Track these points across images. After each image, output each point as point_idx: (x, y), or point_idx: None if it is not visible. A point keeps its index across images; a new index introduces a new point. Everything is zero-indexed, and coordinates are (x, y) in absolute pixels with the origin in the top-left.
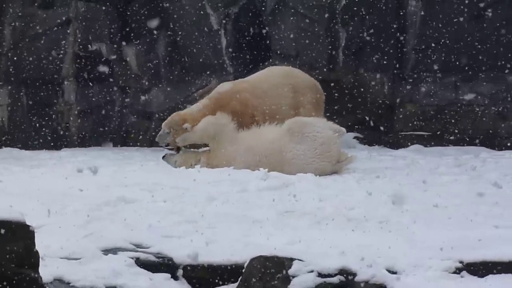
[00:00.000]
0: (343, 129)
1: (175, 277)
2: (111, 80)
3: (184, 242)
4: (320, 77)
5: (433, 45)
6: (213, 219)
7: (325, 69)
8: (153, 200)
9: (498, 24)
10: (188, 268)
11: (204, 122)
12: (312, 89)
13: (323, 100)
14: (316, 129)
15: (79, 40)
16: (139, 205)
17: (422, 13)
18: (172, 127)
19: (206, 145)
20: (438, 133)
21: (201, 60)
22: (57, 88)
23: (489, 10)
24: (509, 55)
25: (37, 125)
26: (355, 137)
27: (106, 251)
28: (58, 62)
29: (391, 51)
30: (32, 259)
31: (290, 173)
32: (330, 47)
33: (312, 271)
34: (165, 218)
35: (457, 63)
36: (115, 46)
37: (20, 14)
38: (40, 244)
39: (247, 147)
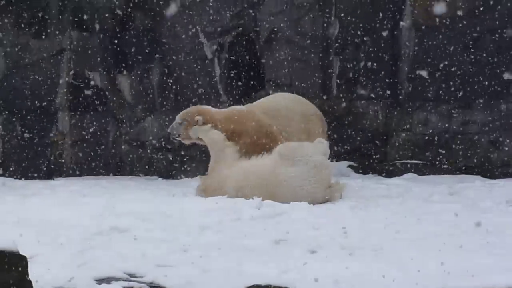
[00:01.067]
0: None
1: None
2: (105, 109)
3: (178, 271)
4: None
5: (427, 73)
6: (207, 248)
7: (318, 98)
8: (146, 229)
9: (491, 53)
10: None
11: (215, 133)
12: (318, 117)
13: (326, 130)
14: (307, 153)
15: (72, 69)
16: (133, 234)
17: (416, 41)
18: (186, 118)
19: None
20: (432, 161)
21: (194, 89)
22: (51, 118)
23: (482, 39)
24: (503, 83)
25: (31, 154)
26: (349, 166)
27: (100, 281)
28: (52, 92)
29: (385, 79)
30: None
31: (283, 196)
32: (323, 75)
33: None
34: (159, 247)
35: (451, 91)
36: (109, 75)
37: (14, 42)
38: (33, 274)
39: (239, 169)
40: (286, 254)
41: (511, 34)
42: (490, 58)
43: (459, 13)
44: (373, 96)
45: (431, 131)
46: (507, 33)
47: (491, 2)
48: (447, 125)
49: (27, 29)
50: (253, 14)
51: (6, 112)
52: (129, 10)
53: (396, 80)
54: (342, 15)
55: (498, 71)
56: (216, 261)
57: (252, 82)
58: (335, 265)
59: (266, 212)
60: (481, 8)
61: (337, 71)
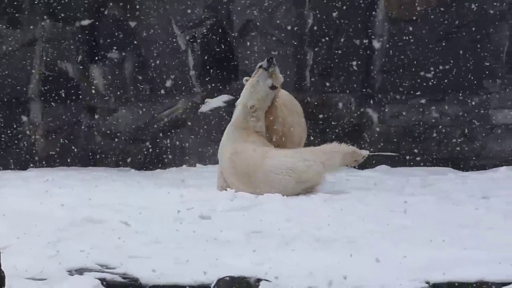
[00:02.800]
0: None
1: None
2: (78, 100)
3: (151, 262)
4: None
5: (400, 66)
6: (181, 240)
7: (292, 90)
8: (120, 220)
9: (463, 47)
10: None
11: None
12: (299, 111)
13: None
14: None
15: (45, 60)
16: (106, 225)
17: (389, 34)
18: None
19: None
20: (405, 154)
21: (168, 80)
22: (24, 108)
23: (455, 33)
24: (475, 77)
25: (3, 145)
26: None
27: (73, 272)
28: (24, 82)
29: (358, 72)
30: None
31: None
32: (297, 68)
33: None
34: (132, 239)
35: (424, 84)
36: (82, 65)
37: None
38: (5, 265)
39: (234, 148)
40: (260, 246)
41: (484, 27)
42: (462, 51)
43: (432, 6)
44: (347, 88)
45: (404, 123)
46: (480, 26)
47: None
48: (420, 117)
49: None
50: (227, 5)
51: None
52: (102, 0)
53: (369, 73)
54: (317, 7)
55: (470, 64)
56: (189, 253)
57: (226, 74)
58: (309, 257)
59: (240, 204)
60: (454, 2)
61: (311, 63)
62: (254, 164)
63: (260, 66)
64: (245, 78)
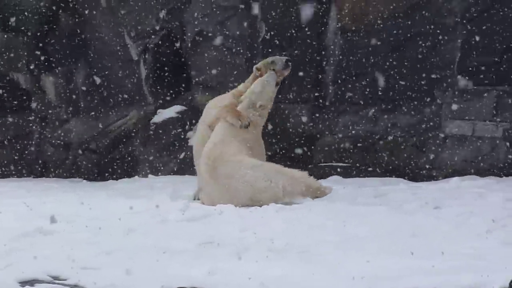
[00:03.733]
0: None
1: None
2: (29, 110)
3: (102, 273)
4: None
5: (353, 77)
6: (132, 251)
7: None
8: (71, 231)
9: (415, 57)
10: None
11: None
12: None
13: None
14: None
15: None
16: (58, 236)
17: (342, 45)
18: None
19: None
20: (358, 164)
21: (120, 90)
22: None
23: (407, 43)
24: (427, 87)
25: None
26: None
27: (24, 283)
28: None
29: (311, 82)
30: None
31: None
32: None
33: None
34: (83, 250)
35: (376, 94)
36: (33, 76)
37: None
38: None
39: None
40: (212, 257)
41: (435, 38)
42: (414, 62)
43: (384, 16)
44: (299, 98)
45: (356, 133)
46: (432, 37)
47: (416, 6)
48: (372, 128)
49: None
50: (180, 16)
51: None
52: (54, 11)
53: (322, 83)
54: (269, 18)
55: (422, 74)
56: (141, 264)
57: (178, 84)
58: (262, 267)
59: (192, 215)
60: (406, 12)
61: None
62: (221, 159)
63: (272, 69)
64: (256, 66)
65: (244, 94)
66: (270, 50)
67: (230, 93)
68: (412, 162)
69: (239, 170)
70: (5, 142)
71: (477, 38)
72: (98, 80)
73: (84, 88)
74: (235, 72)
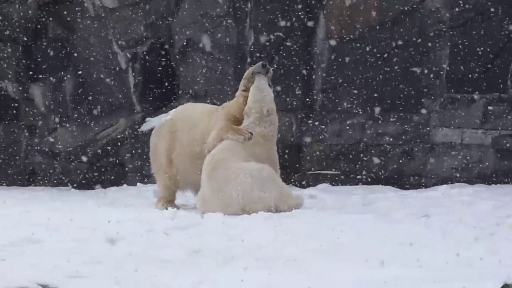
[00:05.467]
0: None
1: None
2: (17, 119)
3: (90, 282)
4: None
5: (341, 85)
6: (120, 259)
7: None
8: (59, 240)
9: (403, 66)
10: None
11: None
12: None
13: None
14: None
15: None
16: (45, 245)
17: (330, 53)
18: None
19: None
20: (346, 172)
21: (108, 99)
22: None
23: (395, 52)
24: (415, 95)
25: None
26: None
27: None
28: None
29: (299, 91)
30: None
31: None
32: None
33: None
34: (72, 259)
35: (364, 103)
36: (22, 85)
37: None
38: None
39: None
40: (200, 266)
41: (424, 47)
42: (402, 70)
43: (372, 25)
44: (287, 106)
45: (344, 142)
46: (420, 45)
47: (404, 15)
48: (360, 136)
49: None
50: (168, 24)
51: None
52: (42, 20)
53: (310, 91)
54: (257, 26)
55: (410, 83)
56: (129, 273)
57: (167, 93)
58: (249, 276)
59: (180, 223)
60: (394, 21)
61: None
62: (224, 162)
63: (258, 73)
64: (240, 88)
65: (244, 110)
66: (258, 58)
67: (222, 114)
68: (400, 170)
69: (237, 177)
70: None
71: (465, 46)
72: (86, 89)
73: (72, 97)
74: (223, 81)
